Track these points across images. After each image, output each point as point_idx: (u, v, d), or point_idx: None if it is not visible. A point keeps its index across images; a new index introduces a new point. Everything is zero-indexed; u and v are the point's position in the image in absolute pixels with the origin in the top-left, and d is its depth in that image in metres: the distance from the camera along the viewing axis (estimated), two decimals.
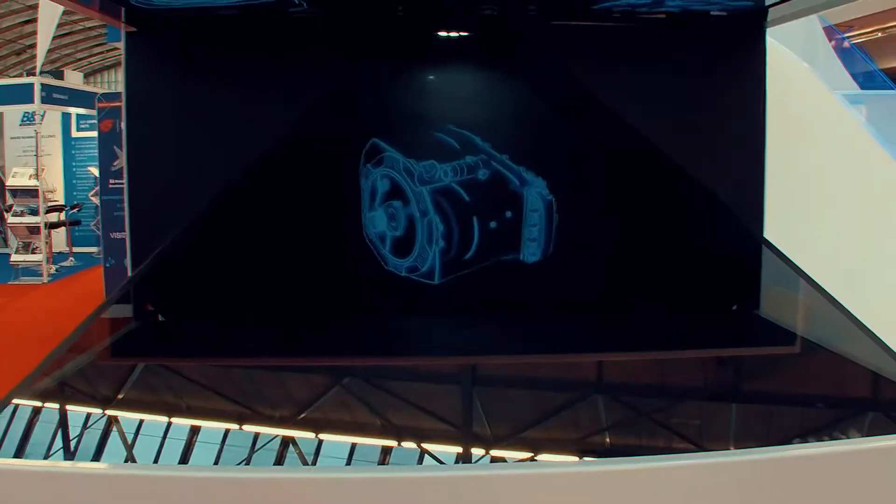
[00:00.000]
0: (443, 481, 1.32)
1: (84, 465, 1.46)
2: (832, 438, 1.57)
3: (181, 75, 2.39)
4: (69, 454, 1.60)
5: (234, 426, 1.82)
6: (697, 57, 2.36)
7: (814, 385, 1.97)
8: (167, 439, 1.70)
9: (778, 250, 2.16)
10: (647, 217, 2.44)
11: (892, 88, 6.78)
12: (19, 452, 1.55)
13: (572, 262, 2.42)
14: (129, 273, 2.35)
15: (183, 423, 1.82)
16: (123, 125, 2.37)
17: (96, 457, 1.61)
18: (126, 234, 2.37)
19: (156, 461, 1.62)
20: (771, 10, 2.23)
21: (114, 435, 1.70)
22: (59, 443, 1.63)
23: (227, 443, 1.71)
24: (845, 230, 5.68)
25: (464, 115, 2.42)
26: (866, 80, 6.51)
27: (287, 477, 1.33)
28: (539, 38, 2.39)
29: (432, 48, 2.44)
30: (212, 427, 1.82)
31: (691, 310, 2.38)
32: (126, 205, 2.38)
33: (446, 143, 2.42)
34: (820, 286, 1.96)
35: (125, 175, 2.39)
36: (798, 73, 5.64)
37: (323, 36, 2.37)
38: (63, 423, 1.68)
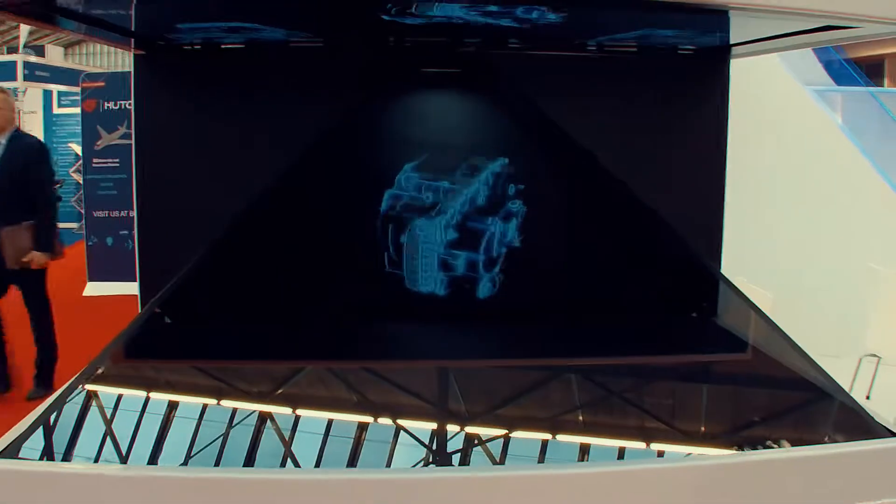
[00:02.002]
0: (435, 483, 1.36)
1: (78, 466, 1.50)
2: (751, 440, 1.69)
3: (189, 96, 2.49)
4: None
5: (211, 401, 1.84)
6: (664, 88, 2.53)
7: (749, 388, 2.12)
8: (145, 414, 1.72)
9: (731, 283, 2.31)
10: (617, 236, 2.57)
11: (860, 80, 6.82)
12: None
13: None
14: (137, 276, 2.50)
15: (161, 398, 1.84)
16: (133, 142, 2.48)
17: (76, 432, 1.63)
18: (135, 248, 2.51)
19: (133, 436, 1.64)
20: (734, 48, 2.39)
21: (93, 410, 1.72)
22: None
23: (204, 418, 1.73)
24: (816, 225, 5.77)
25: (445, 138, 2.54)
26: (841, 69, 6.54)
27: (278, 478, 1.37)
28: (517, 68, 2.51)
29: (422, 75, 2.55)
30: (189, 402, 1.84)
31: (655, 316, 2.53)
32: (136, 220, 2.51)
33: (451, 163, 2.54)
34: (763, 312, 2.11)
35: (134, 190, 2.49)
36: (769, 65, 5.67)
37: (323, 63, 2.49)
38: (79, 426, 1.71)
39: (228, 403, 1.83)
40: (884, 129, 6.37)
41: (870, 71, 14.52)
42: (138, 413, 1.73)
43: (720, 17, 1.81)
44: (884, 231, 5.48)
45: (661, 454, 1.67)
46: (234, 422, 1.72)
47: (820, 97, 5.84)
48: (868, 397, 4.61)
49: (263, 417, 1.73)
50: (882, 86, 15.94)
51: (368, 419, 1.78)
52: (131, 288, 2.55)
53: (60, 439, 1.58)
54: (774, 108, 5.81)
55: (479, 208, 2.51)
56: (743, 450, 1.63)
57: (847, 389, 4.62)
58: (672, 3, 1.59)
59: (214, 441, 1.64)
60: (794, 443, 1.61)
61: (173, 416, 1.73)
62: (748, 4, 1.58)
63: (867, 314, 4.78)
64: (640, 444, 1.72)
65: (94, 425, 1.68)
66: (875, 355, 4.67)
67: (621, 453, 1.67)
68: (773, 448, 1.57)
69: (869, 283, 4.77)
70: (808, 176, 5.75)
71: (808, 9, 1.55)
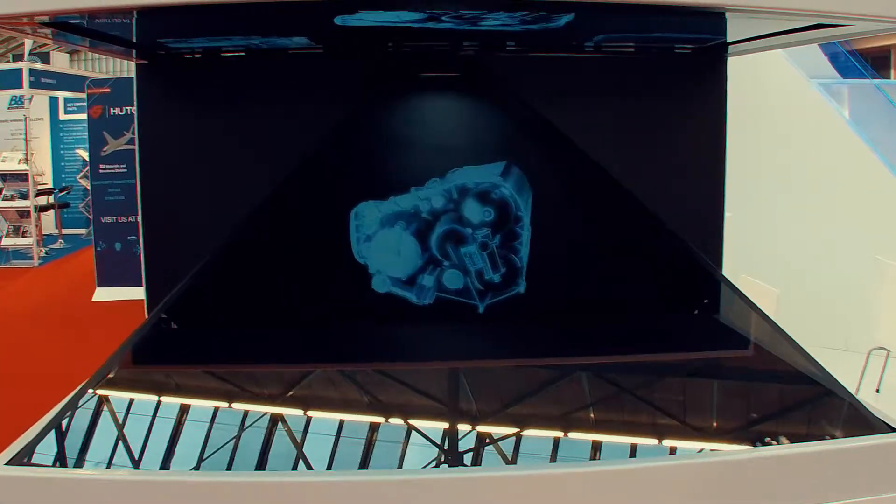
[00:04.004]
0: (448, 483, 1.37)
1: (90, 472, 1.51)
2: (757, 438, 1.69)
3: (191, 104, 2.50)
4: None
5: (223, 404, 1.86)
6: (663, 86, 2.53)
7: (749, 384, 2.12)
8: (157, 418, 1.73)
9: (733, 286, 2.33)
10: (617, 236, 2.58)
11: (866, 72, 6.79)
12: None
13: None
14: (144, 281, 2.52)
15: (172, 401, 1.85)
16: (137, 150, 2.49)
17: (88, 437, 1.64)
18: (141, 255, 2.54)
19: (145, 440, 1.65)
20: (731, 46, 2.38)
21: (105, 415, 1.73)
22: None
23: (216, 421, 1.74)
24: (823, 219, 5.75)
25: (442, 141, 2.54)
26: (847, 62, 6.50)
27: (290, 481, 1.37)
28: (515, 70, 2.52)
29: (420, 80, 2.56)
30: (200, 406, 1.85)
31: (657, 313, 2.56)
32: (141, 228, 2.53)
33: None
34: (766, 314, 2.12)
35: (139, 198, 2.51)
36: (772, 60, 5.65)
37: (323, 69, 2.50)
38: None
39: (240, 406, 1.84)
40: (891, 121, 6.34)
41: (876, 63, 14.46)
42: (150, 417, 1.75)
43: (716, 17, 1.81)
44: (891, 224, 5.47)
45: (673, 450, 1.68)
46: (246, 424, 1.73)
47: (825, 90, 5.82)
48: (878, 391, 4.60)
49: (275, 420, 1.74)
50: (889, 77, 15.88)
51: (380, 420, 1.79)
52: (141, 293, 2.57)
53: (73, 444, 1.60)
54: (779, 102, 5.79)
55: (412, 214, 2.47)
56: (742, 446, 1.64)
57: (856, 383, 4.62)
58: (664, 6, 1.58)
59: (227, 444, 1.65)
60: (794, 439, 1.62)
61: (185, 420, 1.74)
62: (735, 6, 1.59)
63: (875, 307, 4.77)
64: (652, 441, 1.73)
65: (105, 430, 1.69)
66: (884, 349, 4.66)
67: (633, 450, 1.67)
68: (771, 444, 1.58)
69: (876, 276, 4.76)
70: (814, 170, 5.74)
71: (798, 9, 1.55)
